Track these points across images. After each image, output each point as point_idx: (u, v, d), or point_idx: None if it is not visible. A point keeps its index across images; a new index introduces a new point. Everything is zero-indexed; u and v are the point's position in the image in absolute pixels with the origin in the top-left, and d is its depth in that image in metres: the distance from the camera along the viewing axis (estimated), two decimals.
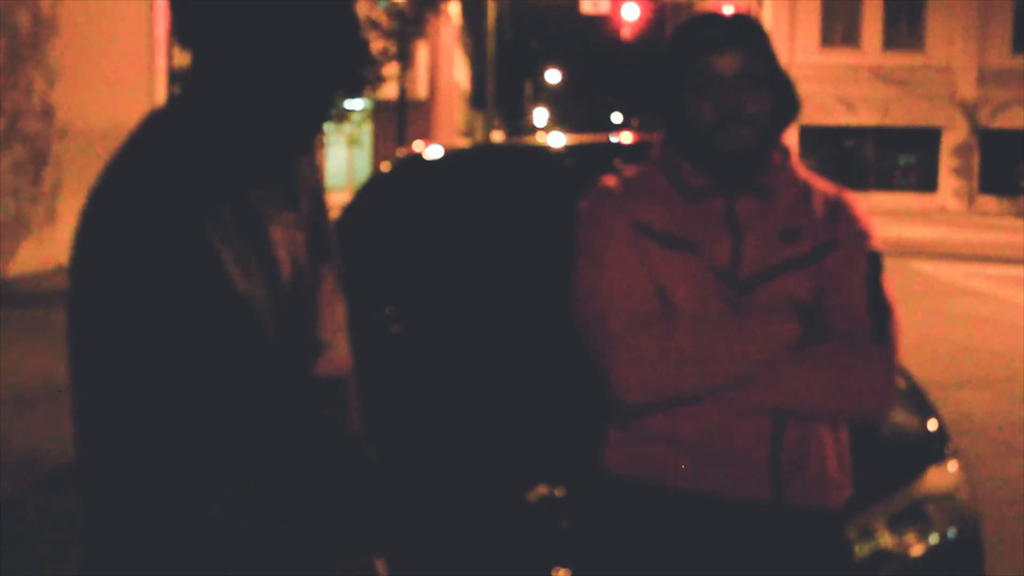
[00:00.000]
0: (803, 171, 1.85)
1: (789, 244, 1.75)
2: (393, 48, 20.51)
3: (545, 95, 74.34)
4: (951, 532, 2.24)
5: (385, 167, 3.98)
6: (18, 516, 4.26)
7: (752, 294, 1.72)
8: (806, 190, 1.82)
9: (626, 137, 3.97)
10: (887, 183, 35.66)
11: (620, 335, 1.69)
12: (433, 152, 4.01)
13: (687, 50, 1.78)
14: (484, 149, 4.68)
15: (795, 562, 1.72)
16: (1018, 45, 34.84)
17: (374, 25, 19.46)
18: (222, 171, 1.18)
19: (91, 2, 13.40)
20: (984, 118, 34.86)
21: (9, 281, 11.43)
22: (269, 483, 1.18)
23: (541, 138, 4.24)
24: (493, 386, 2.59)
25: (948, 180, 35.59)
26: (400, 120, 21.85)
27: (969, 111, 34.88)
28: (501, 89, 41.26)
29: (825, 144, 34.15)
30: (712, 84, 1.74)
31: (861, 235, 1.77)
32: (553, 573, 2.02)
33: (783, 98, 1.79)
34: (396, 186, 3.89)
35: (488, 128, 30.20)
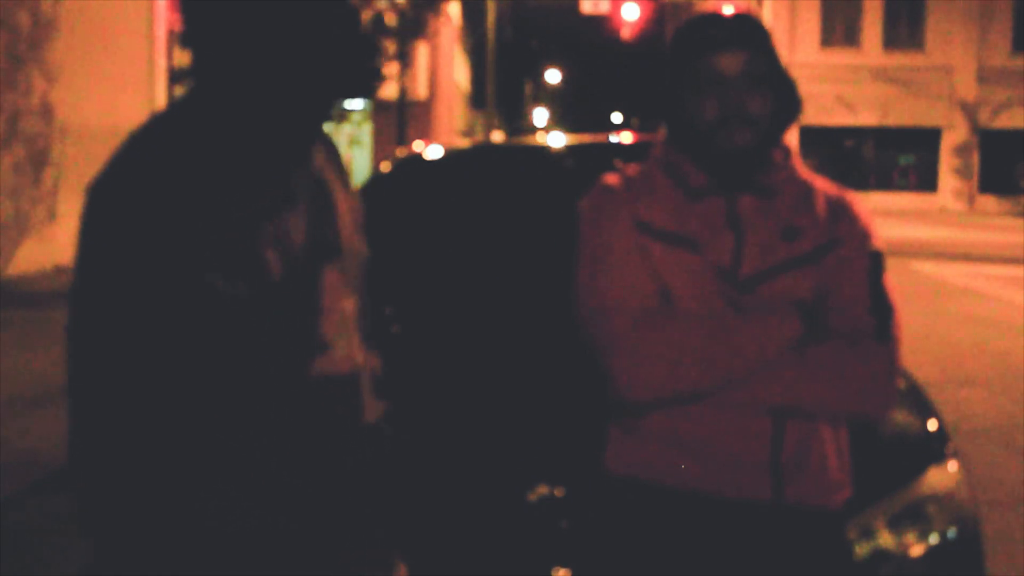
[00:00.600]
0: (805, 171, 1.85)
1: (790, 243, 1.75)
2: (393, 48, 20.48)
3: (545, 95, 74.23)
4: (951, 532, 2.23)
5: (385, 167, 3.97)
6: (18, 516, 4.25)
7: (753, 293, 1.72)
8: (808, 190, 1.81)
9: (626, 137, 3.97)
10: (887, 183, 35.65)
11: (621, 333, 1.68)
12: (433, 152, 4.00)
13: (689, 49, 1.78)
14: (484, 149, 4.67)
15: (795, 562, 1.72)
16: (1018, 45, 34.85)
17: (378, 26, 19.42)
18: (218, 170, 1.18)
19: (91, 2, 13.39)
20: (984, 118, 34.87)
21: (9, 281, 11.42)
22: (267, 477, 1.19)
23: (541, 138, 4.23)
24: (493, 386, 2.59)
25: (948, 180, 35.59)
26: (400, 120, 21.80)
27: (969, 111, 34.88)
28: (501, 89, 41.24)
29: (825, 144, 34.11)
30: (713, 84, 1.74)
31: (863, 235, 1.77)
32: (553, 573, 2.02)
33: (785, 97, 1.79)
34: (396, 186, 3.88)
35: (488, 128, 30.17)
